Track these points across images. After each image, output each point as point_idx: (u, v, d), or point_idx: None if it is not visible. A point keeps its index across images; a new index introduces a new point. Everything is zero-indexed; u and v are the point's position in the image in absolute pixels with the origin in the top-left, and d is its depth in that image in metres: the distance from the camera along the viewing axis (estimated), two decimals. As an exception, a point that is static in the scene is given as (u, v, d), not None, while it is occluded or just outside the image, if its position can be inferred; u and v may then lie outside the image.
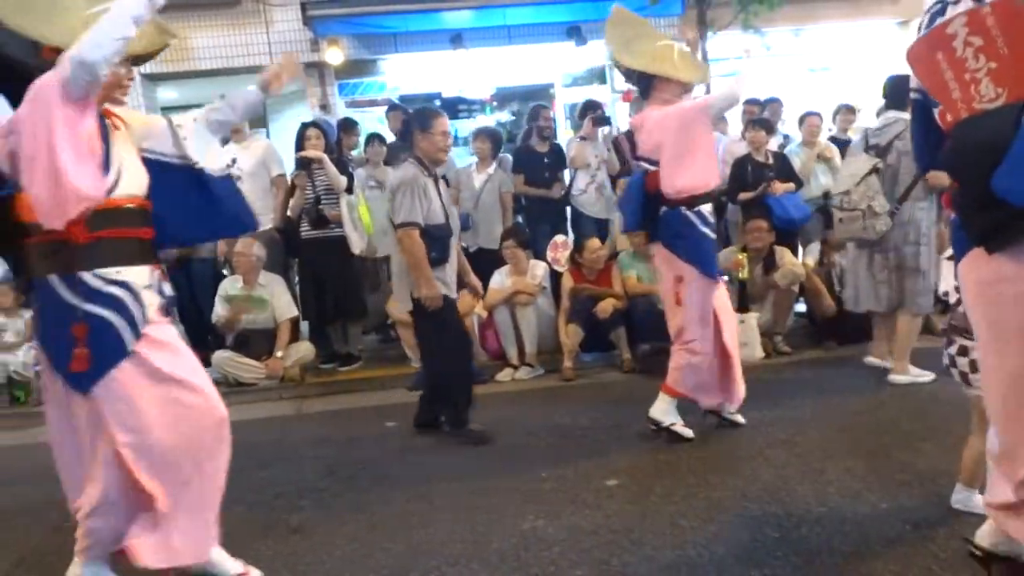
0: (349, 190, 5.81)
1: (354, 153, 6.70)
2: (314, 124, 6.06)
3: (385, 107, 7.79)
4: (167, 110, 8.07)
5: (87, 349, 2.26)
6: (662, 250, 3.90)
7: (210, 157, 2.67)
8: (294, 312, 5.69)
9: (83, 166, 2.24)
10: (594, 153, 6.41)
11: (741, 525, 2.88)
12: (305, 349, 5.76)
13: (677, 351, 3.90)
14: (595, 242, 5.75)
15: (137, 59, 2.63)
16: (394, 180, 4.13)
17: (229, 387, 5.39)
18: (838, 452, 3.54)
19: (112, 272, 2.33)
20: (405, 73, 9.26)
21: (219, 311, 5.61)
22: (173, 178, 2.57)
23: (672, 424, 3.88)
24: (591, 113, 6.58)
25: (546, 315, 5.73)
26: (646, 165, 3.87)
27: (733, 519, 2.93)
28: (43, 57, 2.31)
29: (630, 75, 3.97)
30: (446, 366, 4.20)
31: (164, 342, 2.41)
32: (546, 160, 6.52)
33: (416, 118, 4.25)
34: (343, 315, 5.96)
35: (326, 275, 5.79)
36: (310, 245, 5.84)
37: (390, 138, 6.70)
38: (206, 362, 5.19)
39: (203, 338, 5.82)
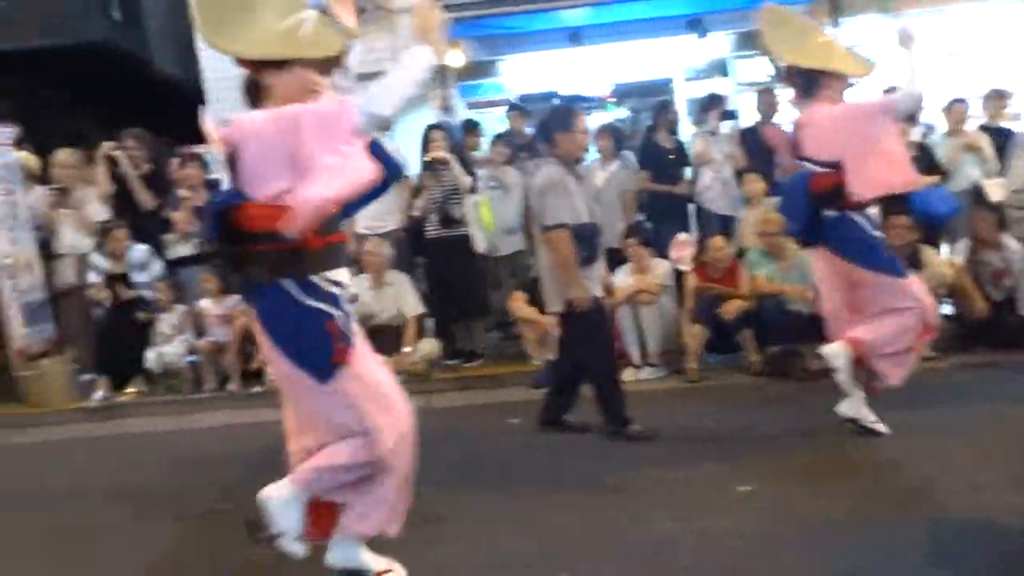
0: (474, 190, 5.92)
1: (477, 154, 6.83)
2: (438, 126, 6.24)
3: (504, 107, 7.88)
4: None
5: (344, 344, 2.44)
6: (827, 254, 3.75)
7: None
8: (420, 309, 5.84)
9: (335, 182, 2.34)
10: (719, 148, 6.25)
11: (883, 536, 2.73)
12: (431, 345, 5.91)
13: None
14: (720, 240, 5.60)
15: (328, 64, 2.63)
16: (540, 182, 4.11)
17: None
18: (993, 463, 3.30)
19: (333, 274, 2.50)
20: (522, 73, 9.33)
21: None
22: None
23: (872, 422, 3.77)
24: (716, 107, 6.43)
25: (669, 314, 5.63)
26: (810, 166, 3.69)
27: (874, 530, 2.79)
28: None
29: (796, 75, 3.78)
30: (594, 366, 4.18)
31: (362, 349, 2.57)
32: (671, 156, 6.41)
33: (556, 118, 4.20)
34: (466, 313, 6.09)
35: (451, 273, 5.93)
36: (436, 244, 6.00)
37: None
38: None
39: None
